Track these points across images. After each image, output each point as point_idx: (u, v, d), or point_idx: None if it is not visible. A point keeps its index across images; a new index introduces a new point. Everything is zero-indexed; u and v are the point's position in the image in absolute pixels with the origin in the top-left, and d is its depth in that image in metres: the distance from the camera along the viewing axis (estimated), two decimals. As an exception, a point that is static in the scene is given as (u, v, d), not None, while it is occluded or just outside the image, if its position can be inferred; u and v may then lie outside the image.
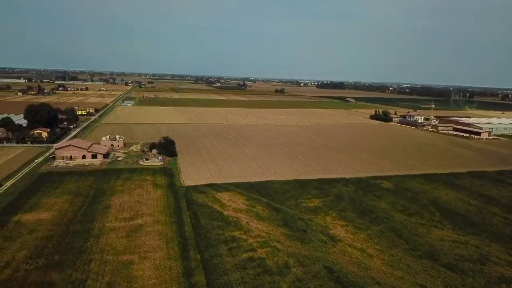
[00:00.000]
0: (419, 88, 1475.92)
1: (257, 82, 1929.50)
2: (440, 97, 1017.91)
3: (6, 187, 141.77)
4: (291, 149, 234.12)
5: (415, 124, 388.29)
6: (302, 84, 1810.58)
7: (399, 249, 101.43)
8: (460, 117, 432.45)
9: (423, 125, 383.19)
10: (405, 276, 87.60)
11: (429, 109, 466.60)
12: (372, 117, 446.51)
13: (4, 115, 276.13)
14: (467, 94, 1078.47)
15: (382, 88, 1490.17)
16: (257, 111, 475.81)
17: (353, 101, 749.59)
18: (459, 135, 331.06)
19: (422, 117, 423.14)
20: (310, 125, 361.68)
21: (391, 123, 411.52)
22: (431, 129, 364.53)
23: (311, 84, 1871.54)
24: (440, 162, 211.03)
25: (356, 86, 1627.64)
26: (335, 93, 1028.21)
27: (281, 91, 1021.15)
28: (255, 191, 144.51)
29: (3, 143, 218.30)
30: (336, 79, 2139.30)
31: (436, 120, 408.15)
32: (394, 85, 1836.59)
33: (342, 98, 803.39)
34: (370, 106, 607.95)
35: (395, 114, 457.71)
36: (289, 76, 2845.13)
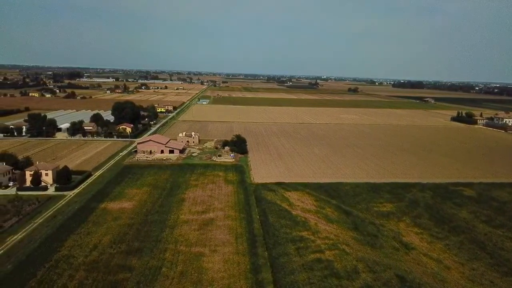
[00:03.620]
0: (510, 87, 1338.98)
1: (329, 81, 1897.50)
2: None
3: (95, 176, 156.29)
4: (364, 150, 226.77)
5: (505, 128, 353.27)
6: (377, 83, 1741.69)
7: (482, 263, 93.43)
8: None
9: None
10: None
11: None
12: (453, 119, 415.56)
13: (95, 112, 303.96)
14: None
15: (466, 87, 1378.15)
16: (328, 111, 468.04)
17: (433, 101, 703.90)
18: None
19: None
20: (384, 126, 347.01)
21: (476, 126, 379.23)
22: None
23: (387, 83, 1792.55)
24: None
25: (436, 86, 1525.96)
26: (412, 93, 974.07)
27: (354, 90, 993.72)
28: (325, 192, 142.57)
29: (93, 136, 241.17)
30: (414, 78, 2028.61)
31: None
32: (480, 85, 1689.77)
33: (420, 98, 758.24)
34: (451, 107, 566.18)
35: (481, 116, 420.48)
36: (363, 75, 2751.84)
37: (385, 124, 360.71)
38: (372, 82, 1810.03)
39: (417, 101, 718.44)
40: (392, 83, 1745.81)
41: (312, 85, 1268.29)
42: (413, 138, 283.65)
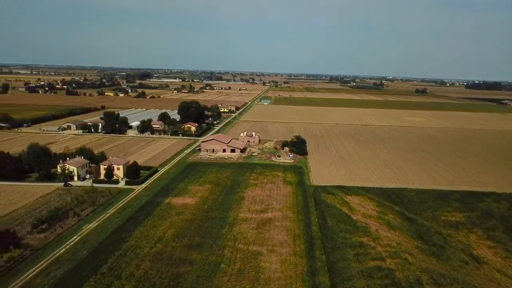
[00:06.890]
0: None
1: (395, 81, 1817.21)
2: None
3: (161, 172, 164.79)
4: (431, 155, 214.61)
5: None
6: (448, 84, 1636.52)
7: None
8: None
9: None
10: None
11: None
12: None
13: (163, 110, 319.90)
14: None
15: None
16: (393, 112, 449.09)
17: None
18: None
19: None
20: (455, 130, 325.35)
21: None
22: None
23: (459, 84, 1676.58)
24: None
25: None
26: (488, 95, 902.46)
27: (422, 92, 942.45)
28: (387, 197, 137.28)
29: (161, 134, 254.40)
30: (491, 78, 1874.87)
31: None
32: None
33: (497, 101, 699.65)
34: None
35: None
36: (433, 76, 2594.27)
37: (455, 128, 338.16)
38: (442, 83, 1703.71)
39: (494, 103, 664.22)
40: (465, 84, 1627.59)
41: (377, 85, 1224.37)
42: (488, 143, 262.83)
